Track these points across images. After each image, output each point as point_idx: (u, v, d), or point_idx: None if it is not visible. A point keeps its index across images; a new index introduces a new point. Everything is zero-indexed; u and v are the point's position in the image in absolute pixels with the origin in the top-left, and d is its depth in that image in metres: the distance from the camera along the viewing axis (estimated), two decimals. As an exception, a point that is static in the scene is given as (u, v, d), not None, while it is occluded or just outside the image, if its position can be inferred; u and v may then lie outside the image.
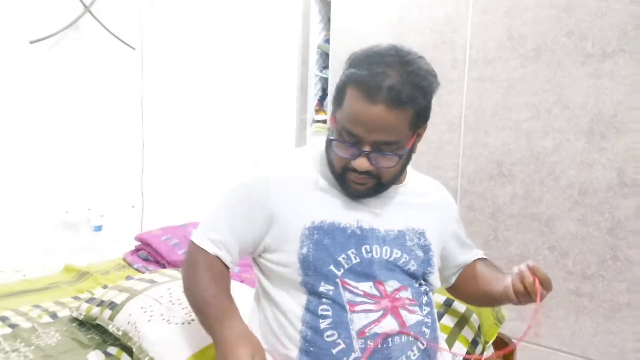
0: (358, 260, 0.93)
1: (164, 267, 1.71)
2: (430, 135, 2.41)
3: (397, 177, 0.98)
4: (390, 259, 0.95)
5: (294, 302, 0.93)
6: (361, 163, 0.89)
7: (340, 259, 0.93)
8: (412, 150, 0.96)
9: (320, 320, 0.90)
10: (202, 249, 0.97)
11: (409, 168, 1.06)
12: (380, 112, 0.85)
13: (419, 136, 0.97)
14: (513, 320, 2.21)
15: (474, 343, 1.26)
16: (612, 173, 1.97)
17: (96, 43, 2.01)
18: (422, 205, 1.05)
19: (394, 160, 0.91)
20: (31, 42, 1.79)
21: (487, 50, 2.24)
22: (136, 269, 1.75)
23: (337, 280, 0.91)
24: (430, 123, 2.68)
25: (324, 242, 0.93)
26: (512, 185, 2.21)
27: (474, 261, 1.17)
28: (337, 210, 0.96)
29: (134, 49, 2.12)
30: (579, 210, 2.06)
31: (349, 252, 0.93)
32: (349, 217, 0.96)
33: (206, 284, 0.93)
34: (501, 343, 1.46)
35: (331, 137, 0.92)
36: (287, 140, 2.88)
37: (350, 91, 0.89)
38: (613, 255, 2.00)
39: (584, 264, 2.06)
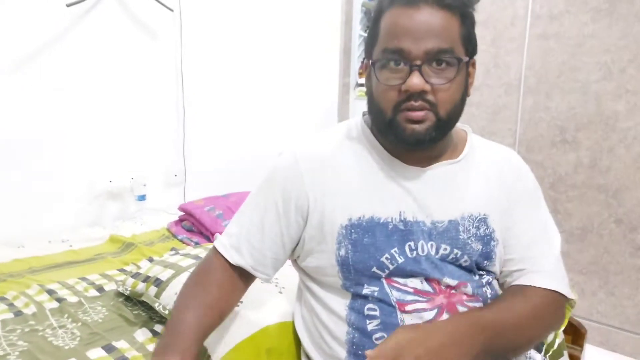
0: (403, 259, 0.81)
1: (209, 239, 1.67)
2: (485, 99, 2.24)
3: (457, 110, 0.79)
4: (437, 256, 0.81)
5: (337, 301, 0.84)
6: (414, 80, 0.73)
7: (383, 259, 0.80)
8: (468, 75, 0.80)
9: (368, 321, 0.80)
10: (217, 252, 0.88)
11: (469, 136, 0.88)
12: (426, 15, 0.74)
13: (473, 67, 0.82)
14: (581, 299, 2.07)
15: (543, 329, 1.15)
16: (695, 140, 1.77)
17: (133, 5, 1.93)
18: (486, 182, 0.85)
19: (451, 72, 0.75)
20: (68, 5, 1.72)
21: (553, 4, 2.03)
22: (180, 240, 1.71)
23: (382, 279, 0.81)
24: (485, 85, 2.50)
25: (364, 241, 0.80)
26: (576, 152, 2.04)
27: (512, 286, 0.86)
28: (376, 201, 0.81)
29: (172, 10, 2.02)
30: (652, 181, 1.88)
31: (393, 252, 0.80)
32: (390, 208, 0.81)
33: (187, 292, 0.86)
34: (570, 327, 1.34)
35: (374, 63, 0.78)
36: (330, 105, 2.76)
37: (385, 17, 0.77)
38: (691, 231, 1.82)
39: (655, 240, 1.89)
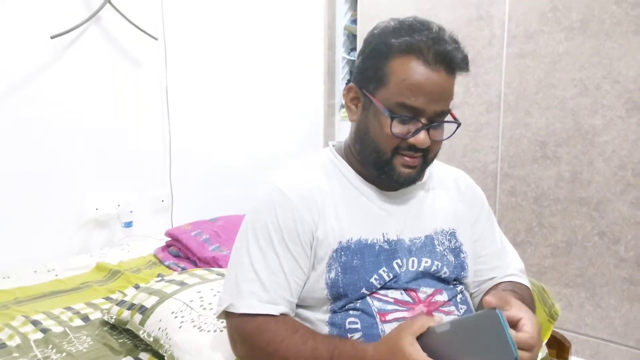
0: (391, 276, 0.85)
1: (195, 264, 1.67)
2: (467, 117, 2.28)
3: (437, 153, 0.89)
4: (420, 269, 0.87)
5: (316, 316, 0.86)
6: (422, 138, 0.81)
7: (372, 280, 0.84)
8: (458, 120, 0.87)
9: (349, 335, 0.82)
10: (259, 316, 0.81)
11: None
12: (443, 79, 0.80)
13: None
14: (562, 310, 2.09)
15: (526, 344, 1.16)
16: (670, 152, 1.81)
17: (118, 35, 1.96)
18: (449, 200, 0.95)
19: (444, 132, 0.85)
20: (52, 37, 1.75)
21: (528, 24, 2.09)
22: (167, 266, 1.71)
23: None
24: (466, 104, 2.55)
25: (353, 263, 0.84)
26: (557, 167, 2.07)
27: (502, 283, 0.95)
28: (361, 224, 0.86)
29: (157, 39, 2.06)
30: (632, 193, 1.91)
31: (381, 271, 0.85)
32: (374, 230, 0.86)
33: (302, 344, 0.78)
34: (554, 341, 1.36)
35: (392, 115, 0.81)
36: (316, 127, 2.79)
37: (399, 62, 0.80)
38: (671, 241, 1.85)
39: (638, 250, 1.92)
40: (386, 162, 0.84)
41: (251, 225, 0.86)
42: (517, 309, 0.70)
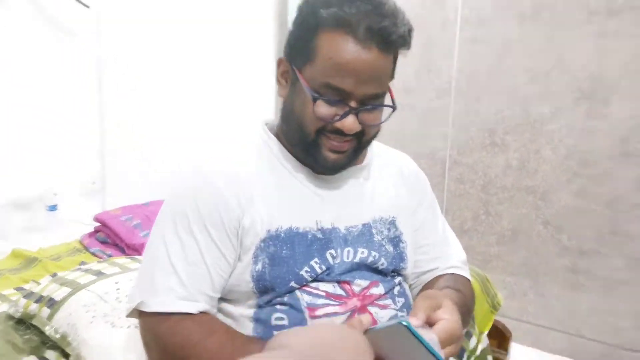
0: (324, 268, 0.77)
1: (124, 250, 1.54)
2: (417, 102, 2.23)
3: (375, 136, 0.81)
4: (356, 260, 0.79)
5: (240, 311, 0.77)
6: (351, 123, 0.72)
7: (302, 272, 0.75)
8: (394, 104, 0.79)
9: (275, 333, 0.73)
10: (175, 315, 0.71)
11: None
12: (374, 58, 0.70)
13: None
14: (503, 298, 2.10)
15: (467, 335, 1.12)
16: (614, 141, 1.82)
17: (45, 1, 1.77)
18: (391, 186, 0.88)
19: (381, 115, 0.77)
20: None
21: (481, 9, 2.05)
22: (92, 253, 1.57)
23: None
24: (417, 89, 2.49)
25: (282, 254, 0.75)
26: (505, 155, 2.06)
27: (443, 275, 0.89)
28: (292, 211, 0.77)
29: (88, 7, 1.88)
30: (577, 182, 1.92)
31: (312, 263, 0.76)
32: (307, 218, 0.78)
33: (223, 347, 0.69)
34: (496, 330, 1.33)
35: (314, 96, 0.72)
36: (265, 107, 2.67)
37: (327, 37, 0.71)
38: (612, 230, 1.87)
39: (580, 239, 1.94)
40: (311, 144, 0.76)
41: (169, 211, 0.76)
42: (442, 312, 0.64)
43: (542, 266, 2.04)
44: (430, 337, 0.59)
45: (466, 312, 0.73)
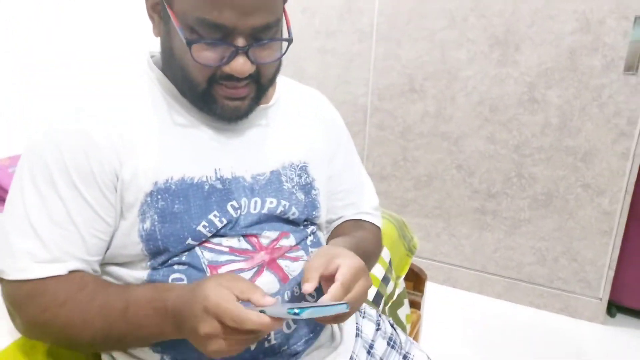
0: (224, 222, 0.69)
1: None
2: (338, 46, 2.16)
3: (277, 74, 0.71)
4: (264, 211, 0.72)
5: (132, 274, 0.68)
6: (241, 65, 0.62)
7: (200, 228, 0.67)
8: (290, 34, 0.68)
9: None
10: (36, 280, 0.62)
11: (279, 78, 0.77)
12: None
13: (286, 15, 0.69)
14: (419, 240, 2.18)
15: (384, 280, 1.13)
16: (523, 88, 1.89)
17: None
18: (302, 128, 0.79)
19: (278, 49, 0.66)
20: None
21: (403, -53, 1.98)
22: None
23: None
24: (338, 31, 2.40)
25: (174, 209, 0.65)
26: (423, 102, 2.08)
27: (348, 221, 0.87)
28: (185, 159, 0.67)
29: None
30: (488, 128, 1.99)
31: (211, 217, 0.67)
32: (203, 166, 0.68)
33: (93, 307, 0.62)
34: (412, 273, 1.37)
35: (188, 40, 0.61)
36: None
37: None
38: (518, 173, 1.98)
39: (489, 182, 2.04)
40: (203, 94, 0.65)
41: (28, 163, 0.63)
42: (338, 259, 0.63)
43: (454, 209, 2.13)
44: (322, 300, 0.59)
45: (364, 255, 0.70)
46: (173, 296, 0.60)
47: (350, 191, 0.87)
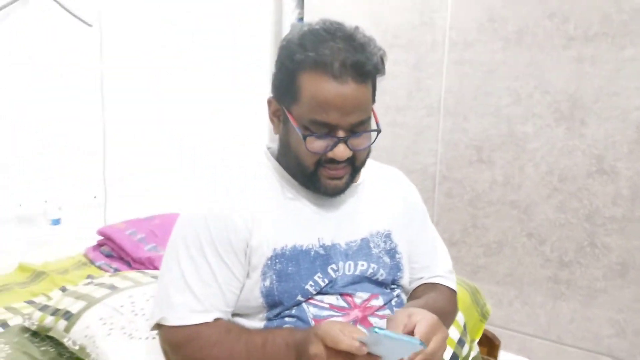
0: (327, 282, 0.85)
1: (129, 264, 1.60)
2: (409, 120, 2.33)
3: (368, 157, 0.89)
4: (357, 273, 0.87)
5: (252, 324, 0.84)
6: (342, 152, 0.80)
7: (307, 287, 0.84)
8: (379, 126, 0.87)
9: None
10: (191, 326, 0.79)
11: None
12: (352, 91, 0.78)
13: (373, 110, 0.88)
14: (490, 307, 2.19)
15: (460, 343, 1.21)
16: (591, 159, 1.94)
17: (48, 20, 1.83)
18: (384, 201, 0.96)
19: (367, 138, 0.85)
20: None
21: (468, 32, 2.16)
22: (98, 267, 1.62)
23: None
24: (408, 107, 2.59)
25: (288, 270, 0.83)
26: (491, 171, 2.17)
27: (423, 285, 0.98)
28: (296, 230, 0.85)
29: (91, 25, 1.94)
30: (557, 197, 2.03)
31: (316, 277, 0.84)
32: (309, 236, 0.86)
33: (238, 346, 0.78)
34: (485, 339, 1.42)
35: (303, 135, 0.80)
36: (260, 126, 2.75)
37: (306, 78, 0.79)
38: (590, 242, 1.99)
39: (561, 251, 2.05)
40: (311, 175, 0.84)
41: (181, 234, 0.84)
42: (415, 317, 0.73)
43: (527, 276, 2.14)
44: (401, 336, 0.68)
45: (440, 315, 0.80)
46: (300, 333, 0.75)
47: (424, 254, 0.98)
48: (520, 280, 2.15)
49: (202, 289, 0.81)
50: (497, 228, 2.18)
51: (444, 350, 0.75)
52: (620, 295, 1.94)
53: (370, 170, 0.98)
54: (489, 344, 1.41)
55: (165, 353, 0.83)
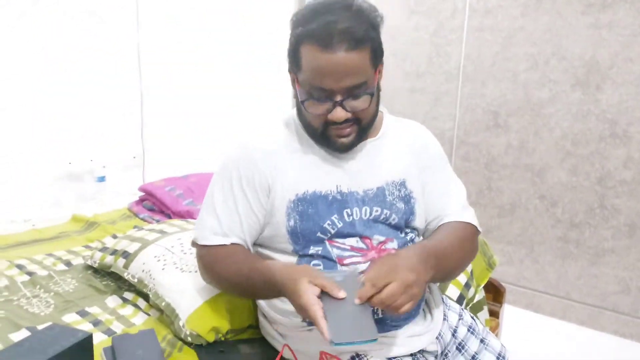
0: (342, 224, 0.98)
1: (170, 217, 1.77)
2: (428, 85, 2.42)
3: (375, 116, 0.99)
4: (371, 217, 0.99)
5: (287, 261, 0.99)
6: (338, 113, 0.91)
7: (325, 225, 0.97)
8: (379, 87, 0.98)
9: None
10: (213, 246, 0.98)
11: (385, 117, 1.07)
12: (342, 58, 0.87)
13: (380, 73, 0.97)
14: (502, 265, 2.32)
15: (466, 286, 1.34)
16: (604, 124, 2.02)
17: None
18: (401, 152, 1.05)
19: (367, 100, 0.93)
20: (23, -10, 1.74)
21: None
22: (142, 219, 1.80)
23: (325, 241, 0.98)
24: (427, 73, 2.67)
25: (309, 212, 0.97)
26: (507, 136, 2.26)
27: (439, 227, 1.06)
28: (317, 178, 0.98)
29: (128, -4, 2.07)
30: (570, 161, 2.12)
31: (333, 218, 0.97)
32: (328, 183, 0.98)
33: (236, 267, 0.95)
34: (492, 287, 1.55)
35: (302, 100, 0.93)
36: (285, 95, 2.86)
37: (305, 49, 0.90)
38: (600, 204, 2.08)
39: (572, 213, 2.15)
40: (322, 135, 0.96)
41: (219, 173, 1.03)
42: (371, 264, 0.87)
43: (537, 236, 2.26)
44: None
45: (441, 254, 0.92)
46: (278, 275, 0.88)
47: (438, 197, 1.07)
48: (531, 240, 2.27)
49: (225, 214, 0.99)
50: (511, 190, 2.28)
51: (408, 295, 0.80)
52: (627, 254, 2.05)
53: (391, 125, 1.08)
54: (495, 291, 1.55)
55: (199, 268, 1.04)
